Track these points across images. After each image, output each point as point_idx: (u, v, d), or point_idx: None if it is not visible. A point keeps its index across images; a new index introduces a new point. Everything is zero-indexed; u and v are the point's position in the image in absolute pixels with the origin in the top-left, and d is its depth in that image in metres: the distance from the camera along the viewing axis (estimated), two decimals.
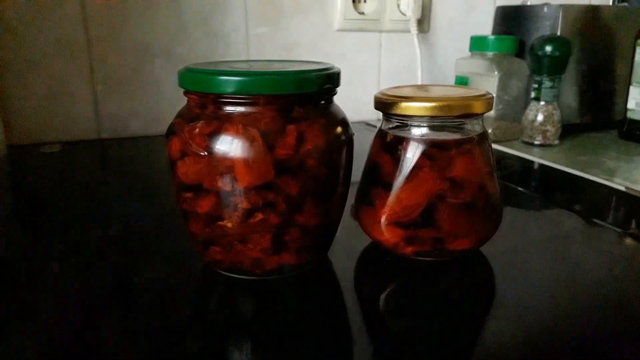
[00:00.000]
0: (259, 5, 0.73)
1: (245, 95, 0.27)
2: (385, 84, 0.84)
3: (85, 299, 0.30)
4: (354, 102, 0.75)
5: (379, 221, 0.33)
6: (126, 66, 0.68)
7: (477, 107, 0.31)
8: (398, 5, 0.81)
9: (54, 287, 0.32)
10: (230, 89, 0.27)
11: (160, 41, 0.69)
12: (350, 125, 0.32)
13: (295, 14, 0.76)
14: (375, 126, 0.78)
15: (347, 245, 0.37)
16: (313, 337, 0.27)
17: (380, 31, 0.82)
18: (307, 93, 0.29)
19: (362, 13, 0.79)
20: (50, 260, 0.35)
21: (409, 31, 0.81)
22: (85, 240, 0.38)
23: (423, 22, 0.84)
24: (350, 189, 0.34)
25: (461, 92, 0.33)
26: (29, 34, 0.63)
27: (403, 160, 0.32)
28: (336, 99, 0.32)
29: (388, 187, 0.32)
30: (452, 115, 0.31)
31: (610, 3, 0.91)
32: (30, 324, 0.28)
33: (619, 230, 0.41)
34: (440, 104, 0.30)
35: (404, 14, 0.81)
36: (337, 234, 0.34)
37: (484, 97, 0.32)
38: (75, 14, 0.64)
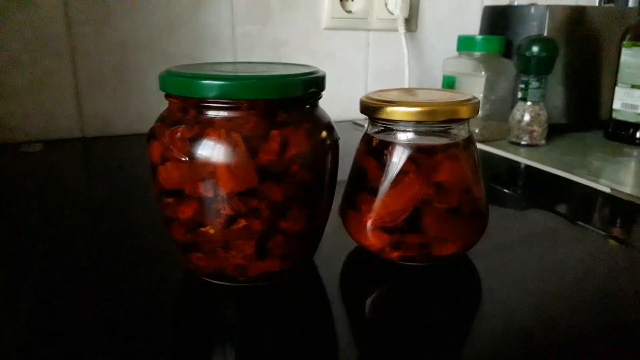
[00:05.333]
0: (245, 2, 0.73)
1: (227, 99, 0.27)
2: (373, 83, 0.84)
3: (63, 305, 0.29)
4: (342, 101, 0.75)
5: (365, 226, 0.33)
6: (110, 63, 0.67)
7: (463, 112, 0.31)
8: (385, 4, 0.80)
9: (32, 291, 0.31)
10: (212, 94, 0.27)
11: (145, 38, 0.68)
12: (336, 127, 0.32)
13: (283, 11, 0.75)
14: (362, 125, 0.78)
15: (332, 250, 0.36)
16: (298, 343, 0.27)
17: (368, 30, 0.82)
18: (292, 97, 0.28)
19: (350, 12, 0.79)
20: (28, 264, 0.34)
21: (396, 30, 0.81)
22: (65, 244, 0.38)
23: (411, 21, 0.84)
24: (336, 191, 0.33)
25: (447, 96, 0.33)
26: (10, 31, 0.62)
27: (389, 165, 0.31)
28: (323, 98, 0.32)
29: (374, 192, 0.32)
30: (438, 120, 0.31)
31: (597, 4, 0.91)
32: (9, 331, 0.27)
33: (603, 233, 0.41)
34: (426, 108, 0.30)
35: (391, 13, 0.81)
36: (323, 238, 0.34)
37: (470, 102, 0.31)
38: (57, 10, 0.63)
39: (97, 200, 0.48)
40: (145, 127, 0.30)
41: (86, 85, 0.67)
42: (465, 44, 0.74)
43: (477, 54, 0.72)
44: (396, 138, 0.32)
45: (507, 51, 0.74)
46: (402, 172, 0.31)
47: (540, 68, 0.68)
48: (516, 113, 0.71)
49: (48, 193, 0.49)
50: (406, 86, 0.82)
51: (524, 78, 0.69)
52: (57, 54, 0.64)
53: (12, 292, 0.31)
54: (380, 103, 0.31)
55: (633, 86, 0.70)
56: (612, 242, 0.41)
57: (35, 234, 0.39)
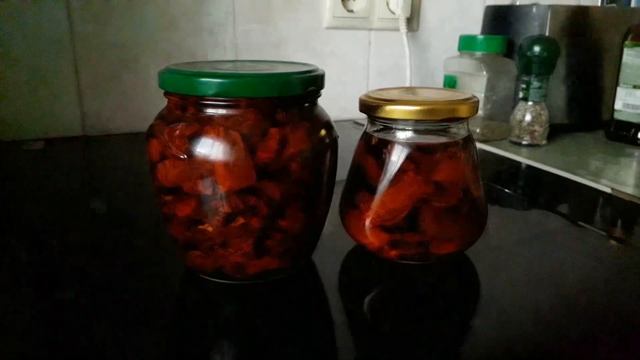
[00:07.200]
0: (247, 1, 0.73)
1: (226, 97, 0.27)
2: (375, 83, 0.84)
3: (61, 303, 0.29)
4: (343, 101, 0.75)
5: (364, 225, 0.33)
6: (111, 62, 0.67)
7: (463, 111, 0.31)
8: (387, 4, 0.80)
9: (31, 291, 0.31)
10: (211, 91, 0.27)
11: (147, 37, 0.68)
12: (337, 126, 0.32)
13: (284, 10, 0.75)
14: (363, 125, 0.78)
15: (331, 249, 0.36)
16: (296, 342, 0.27)
17: (370, 29, 0.82)
18: (291, 96, 0.28)
19: (351, 11, 0.79)
20: (28, 262, 0.34)
21: (398, 30, 0.81)
22: (65, 241, 0.38)
23: (412, 21, 0.84)
24: (336, 189, 0.33)
25: (447, 95, 0.33)
26: (12, 29, 0.62)
27: (388, 164, 0.31)
28: (324, 97, 0.32)
29: (373, 190, 0.32)
30: (437, 119, 0.30)
31: (599, 4, 0.91)
32: (7, 329, 0.27)
33: (604, 233, 0.41)
34: (425, 107, 0.30)
35: (393, 13, 0.81)
36: (322, 236, 0.34)
37: (470, 101, 0.31)
38: (59, 9, 0.63)
39: (98, 198, 0.48)
40: (146, 126, 0.30)
41: (88, 84, 0.67)
42: (466, 43, 0.74)
43: (479, 53, 0.72)
44: (395, 137, 0.32)
45: (509, 51, 0.74)
46: (401, 170, 0.31)
47: (541, 68, 0.67)
48: (517, 113, 0.70)
49: (49, 191, 0.49)
50: (407, 86, 0.82)
51: (525, 78, 0.69)
52: (59, 52, 0.64)
53: (11, 289, 0.31)
54: (379, 102, 0.31)
55: (635, 86, 0.69)
56: (612, 242, 0.40)
57: (35, 232, 0.39)
